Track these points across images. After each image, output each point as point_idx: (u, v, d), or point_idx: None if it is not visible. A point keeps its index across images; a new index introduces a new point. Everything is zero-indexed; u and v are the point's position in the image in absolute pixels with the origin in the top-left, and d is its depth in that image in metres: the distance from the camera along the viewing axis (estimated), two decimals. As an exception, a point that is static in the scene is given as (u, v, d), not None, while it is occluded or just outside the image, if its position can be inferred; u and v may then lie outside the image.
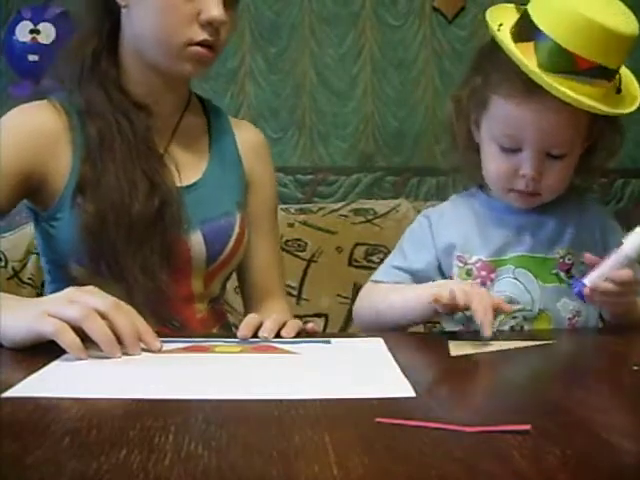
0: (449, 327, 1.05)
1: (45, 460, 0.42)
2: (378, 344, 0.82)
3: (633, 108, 0.99)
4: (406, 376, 0.65)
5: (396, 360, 0.72)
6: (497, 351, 0.81)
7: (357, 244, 1.84)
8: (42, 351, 0.71)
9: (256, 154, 1.15)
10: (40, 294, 1.70)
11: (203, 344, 0.80)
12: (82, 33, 1.01)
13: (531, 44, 0.93)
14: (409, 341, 0.97)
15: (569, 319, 1.01)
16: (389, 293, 1.02)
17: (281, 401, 0.56)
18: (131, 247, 0.93)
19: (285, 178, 2.48)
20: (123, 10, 0.97)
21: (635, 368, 0.71)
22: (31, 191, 0.97)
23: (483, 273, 1.04)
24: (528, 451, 0.44)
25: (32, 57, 2.38)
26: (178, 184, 1.01)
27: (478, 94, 1.02)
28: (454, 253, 1.06)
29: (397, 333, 1.02)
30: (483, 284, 1.03)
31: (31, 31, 2.40)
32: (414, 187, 2.55)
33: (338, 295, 1.73)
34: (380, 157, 2.59)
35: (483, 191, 1.10)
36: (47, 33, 2.39)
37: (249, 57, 2.54)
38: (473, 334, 0.97)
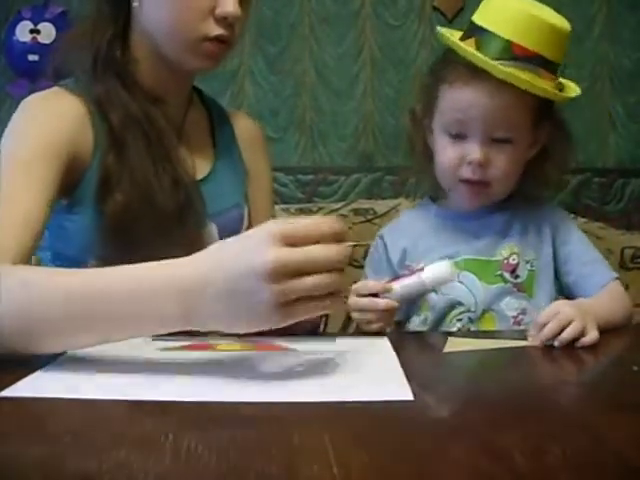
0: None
1: (45, 460, 0.42)
2: (383, 344, 0.82)
3: (573, 95, 1.05)
4: (406, 375, 0.65)
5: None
6: (495, 350, 0.81)
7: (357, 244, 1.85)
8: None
9: (252, 144, 1.16)
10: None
11: (204, 342, 0.80)
12: (95, 20, 0.98)
13: (472, 39, 1.01)
14: (410, 340, 0.98)
15: (513, 317, 1.02)
16: None
17: (281, 402, 0.56)
18: (157, 241, 0.90)
19: (285, 178, 2.47)
20: (134, 3, 0.95)
21: (635, 368, 0.71)
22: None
23: None
24: (528, 451, 0.44)
25: (32, 57, 2.38)
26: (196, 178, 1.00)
27: (428, 93, 1.06)
28: (406, 262, 1.08)
29: (399, 332, 1.02)
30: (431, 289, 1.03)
31: (31, 31, 2.40)
32: (414, 187, 2.55)
33: (338, 295, 1.72)
34: (380, 157, 2.59)
35: (435, 203, 1.14)
36: (47, 33, 2.39)
37: (249, 57, 2.54)
38: (473, 333, 0.98)
